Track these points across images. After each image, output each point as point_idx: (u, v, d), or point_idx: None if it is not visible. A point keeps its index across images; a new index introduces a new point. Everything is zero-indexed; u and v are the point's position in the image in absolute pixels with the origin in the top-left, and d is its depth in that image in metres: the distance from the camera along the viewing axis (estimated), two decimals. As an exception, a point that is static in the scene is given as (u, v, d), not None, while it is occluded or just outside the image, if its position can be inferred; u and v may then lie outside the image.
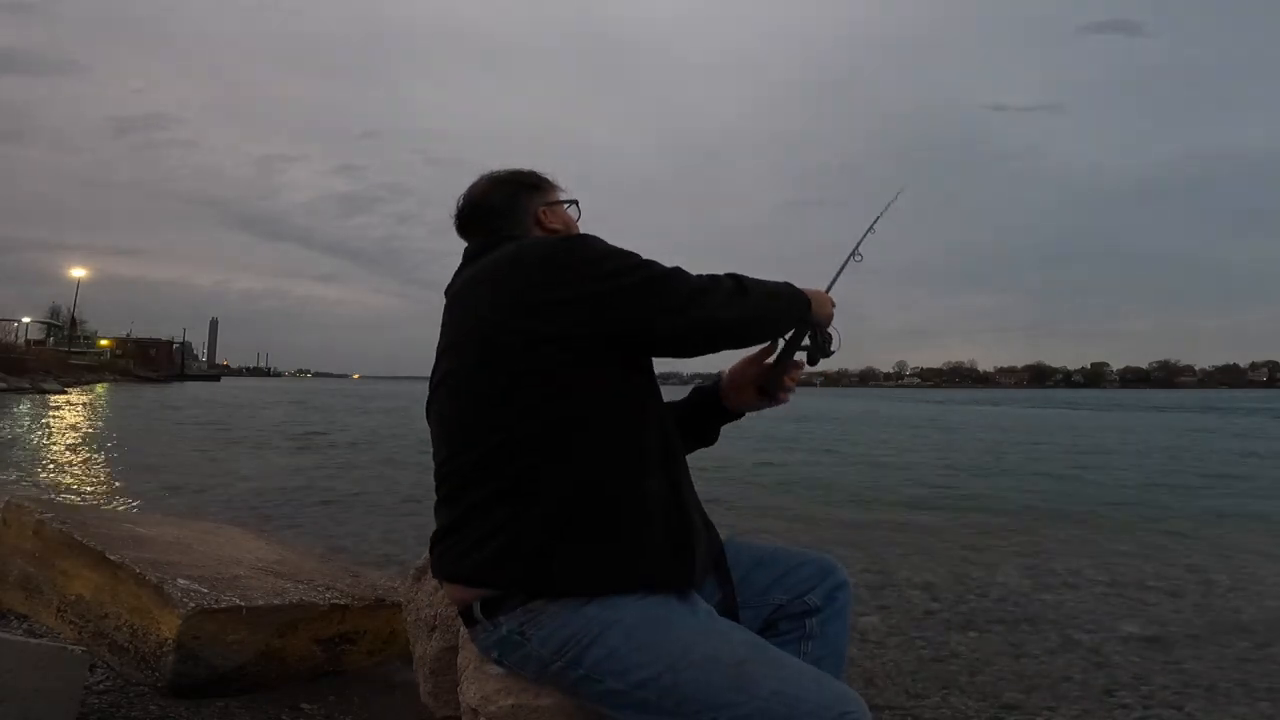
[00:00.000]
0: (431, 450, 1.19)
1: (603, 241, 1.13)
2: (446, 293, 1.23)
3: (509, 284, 1.09)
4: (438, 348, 1.18)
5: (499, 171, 1.35)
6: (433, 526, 1.16)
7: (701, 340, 1.13)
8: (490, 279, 1.12)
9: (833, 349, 1.35)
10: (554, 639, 1.03)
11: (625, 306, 1.08)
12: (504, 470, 1.05)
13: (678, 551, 1.07)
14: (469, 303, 1.14)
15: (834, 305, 1.34)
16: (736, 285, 1.15)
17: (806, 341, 1.32)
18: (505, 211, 1.30)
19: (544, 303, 1.06)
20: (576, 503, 1.03)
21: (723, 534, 1.23)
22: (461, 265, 1.26)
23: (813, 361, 1.34)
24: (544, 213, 1.32)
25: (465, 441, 1.10)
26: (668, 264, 1.15)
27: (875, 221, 1.53)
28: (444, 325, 1.19)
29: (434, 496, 1.16)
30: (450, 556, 1.11)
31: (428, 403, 1.21)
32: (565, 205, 1.37)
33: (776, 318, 1.24)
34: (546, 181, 1.36)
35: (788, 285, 1.26)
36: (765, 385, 1.34)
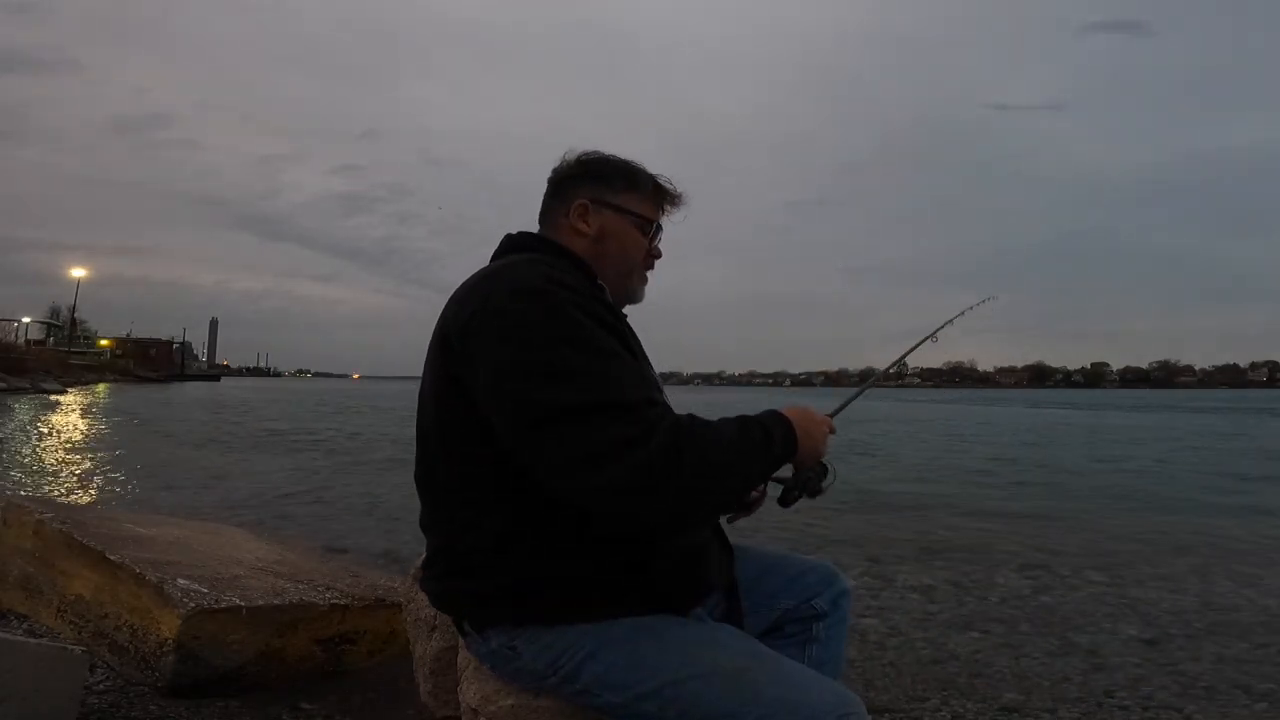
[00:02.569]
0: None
1: (582, 328, 0.94)
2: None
3: (464, 318, 1.00)
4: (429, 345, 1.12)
5: (594, 153, 1.21)
6: None
7: (603, 515, 0.92)
8: (463, 300, 1.03)
9: (824, 485, 1.12)
10: (546, 654, 1.01)
11: (507, 415, 0.94)
12: (484, 499, 1.01)
13: (682, 581, 1.04)
14: (442, 319, 1.06)
15: (833, 432, 1.12)
16: (670, 456, 0.87)
17: (787, 473, 1.09)
18: (558, 193, 1.19)
19: (468, 352, 0.98)
20: (563, 536, 0.98)
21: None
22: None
23: (785, 503, 1.13)
24: (580, 207, 1.16)
25: (445, 465, 1.06)
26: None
27: (938, 330, 1.52)
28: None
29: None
30: (436, 582, 1.10)
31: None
32: (626, 215, 1.18)
33: (724, 496, 0.98)
34: (620, 178, 1.19)
35: (762, 430, 0.99)
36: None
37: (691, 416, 0.94)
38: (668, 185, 1.22)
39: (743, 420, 0.99)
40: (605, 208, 1.17)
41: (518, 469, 0.97)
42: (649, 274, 1.24)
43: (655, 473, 0.87)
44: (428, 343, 1.10)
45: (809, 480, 1.10)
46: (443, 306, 1.10)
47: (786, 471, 1.09)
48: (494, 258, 1.17)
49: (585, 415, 0.88)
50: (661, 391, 1.12)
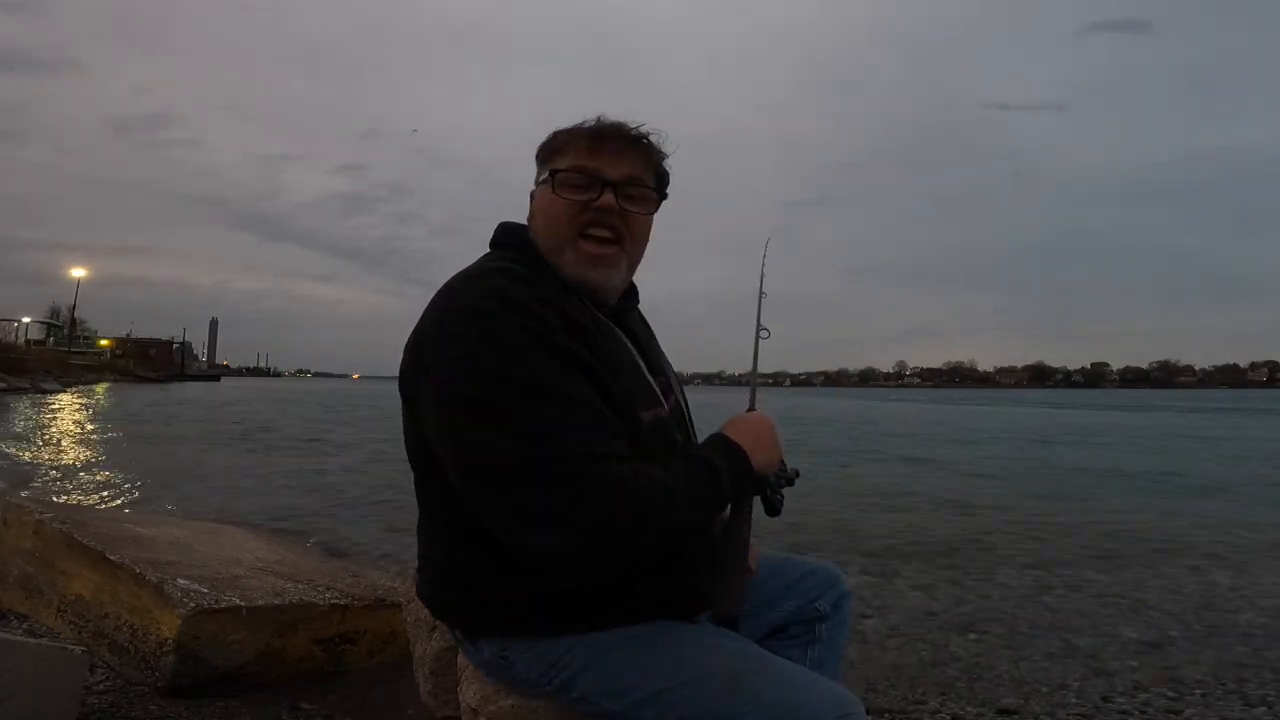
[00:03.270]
0: None
1: (523, 361, 0.88)
2: None
3: (417, 339, 0.97)
4: None
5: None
6: None
7: (544, 569, 0.90)
8: (422, 317, 0.99)
9: (791, 482, 1.11)
10: (539, 664, 1.01)
11: (443, 452, 0.93)
12: (465, 514, 0.97)
13: (669, 590, 1.02)
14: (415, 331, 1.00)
15: (772, 425, 1.08)
16: (605, 524, 0.84)
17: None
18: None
19: (418, 375, 0.96)
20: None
21: None
22: None
23: (772, 513, 1.08)
24: (533, 193, 1.10)
25: (424, 476, 1.06)
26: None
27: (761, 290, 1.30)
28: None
29: None
30: (430, 587, 1.10)
31: None
32: (546, 183, 1.05)
33: (670, 543, 0.93)
34: (545, 149, 1.07)
35: (708, 470, 0.95)
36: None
37: (634, 468, 0.88)
38: (577, 126, 1.04)
39: (690, 463, 0.95)
40: (537, 186, 1.08)
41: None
42: (598, 241, 1.03)
43: (588, 539, 0.84)
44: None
45: (778, 483, 1.08)
46: None
47: None
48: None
49: (518, 471, 0.85)
50: (655, 397, 1.06)
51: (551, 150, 1.06)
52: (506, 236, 1.10)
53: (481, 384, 0.88)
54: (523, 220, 1.12)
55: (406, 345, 1.00)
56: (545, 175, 1.05)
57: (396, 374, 1.02)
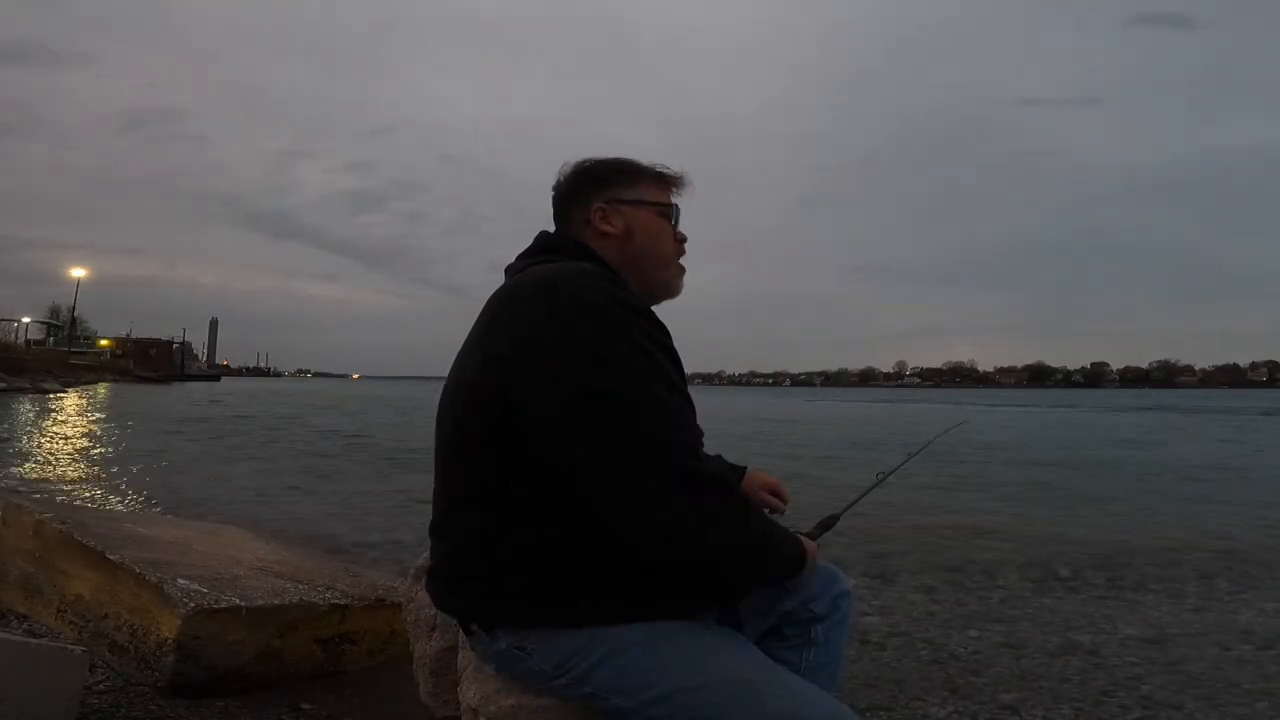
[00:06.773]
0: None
1: (653, 356, 0.96)
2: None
3: (523, 329, 0.98)
4: (463, 344, 1.08)
5: (590, 160, 1.20)
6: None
7: (670, 553, 0.95)
8: (519, 309, 1.01)
9: None
10: (555, 654, 1.01)
11: (576, 435, 0.94)
12: (504, 506, 1.00)
13: (687, 587, 1.03)
14: (489, 324, 1.03)
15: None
16: (736, 506, 0.96)
17: None
18: (567, 202, 1.18)
19: (525, 364, 0.97)
20: (578, 542, 0.98)
21: None
22: (515, 261, 1.16)
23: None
24: (598, 211, 1.15)
25: (465, 471, 1.05)
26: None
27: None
28: (474, 326, 1.07)
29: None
30: (445, 583, 1.09)
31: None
32: (645, 206, 1.17)
33: (757, 573, 1.06)
34: (624, 175, 1.18)
35: (785, 540, 1.06)
36: None
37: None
38: (666, 169, 1.21)
39: (780, 530, 1.06)
40: (622, 204, 1.16)
41: (549, 480, 0.97)
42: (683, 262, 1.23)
43: (685, 520, 0.92)
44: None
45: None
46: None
47: None
48: (526, 255, 1.15)
49: (646, 449, 0.92)
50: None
51: (635, 175, 1.18)
52: (575, 247, 1.14)
53: (612, 372, 0.93)
54: (543, 221, 1.21)
55: (493, 335, 1.01)
56: (646, 202, 1.17)
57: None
